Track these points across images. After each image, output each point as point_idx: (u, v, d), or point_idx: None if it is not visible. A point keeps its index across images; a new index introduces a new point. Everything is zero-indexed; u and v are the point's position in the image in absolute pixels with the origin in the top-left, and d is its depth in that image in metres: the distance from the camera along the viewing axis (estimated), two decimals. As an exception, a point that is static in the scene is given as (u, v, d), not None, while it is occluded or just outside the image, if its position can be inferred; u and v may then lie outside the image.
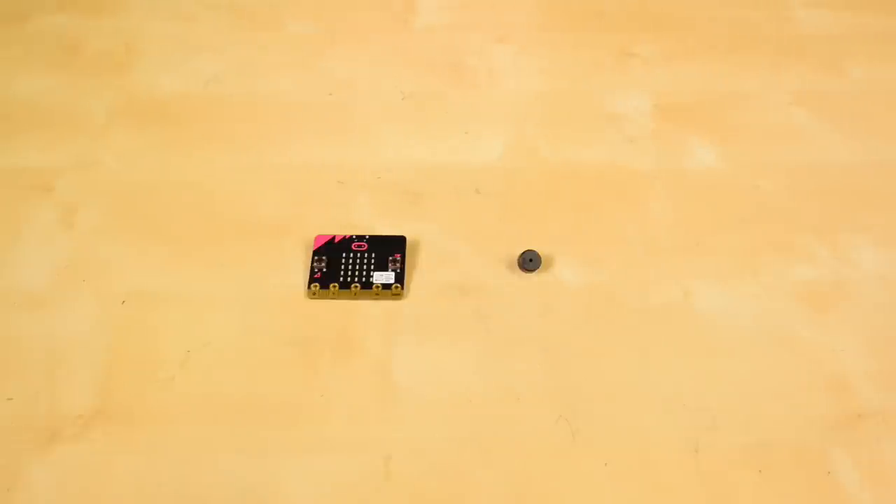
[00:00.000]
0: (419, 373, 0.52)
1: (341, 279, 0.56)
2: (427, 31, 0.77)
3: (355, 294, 0.55)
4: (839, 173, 0.65)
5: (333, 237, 0.58)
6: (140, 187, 0.62)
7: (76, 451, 0.48)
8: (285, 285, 0.56)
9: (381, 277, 0.56)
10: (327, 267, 0.57)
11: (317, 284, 0.55)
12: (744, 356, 0.53)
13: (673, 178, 0.64)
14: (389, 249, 0.58)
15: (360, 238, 0.58)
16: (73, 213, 0.60)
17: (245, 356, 0.52)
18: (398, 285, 0.56)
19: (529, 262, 0.57)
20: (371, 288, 0.55)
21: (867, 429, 0.50)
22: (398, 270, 0.56)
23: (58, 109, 0.68)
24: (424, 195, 0.62)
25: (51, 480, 0.47)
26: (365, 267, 0.57)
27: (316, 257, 0.57)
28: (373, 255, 0.57)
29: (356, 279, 0.56)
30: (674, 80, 0.72)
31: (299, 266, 0.57)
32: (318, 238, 0.58)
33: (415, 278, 0.57)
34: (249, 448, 0.48)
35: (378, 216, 0.61)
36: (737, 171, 0.65)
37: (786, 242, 0.60)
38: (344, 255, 0.57)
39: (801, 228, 0.61)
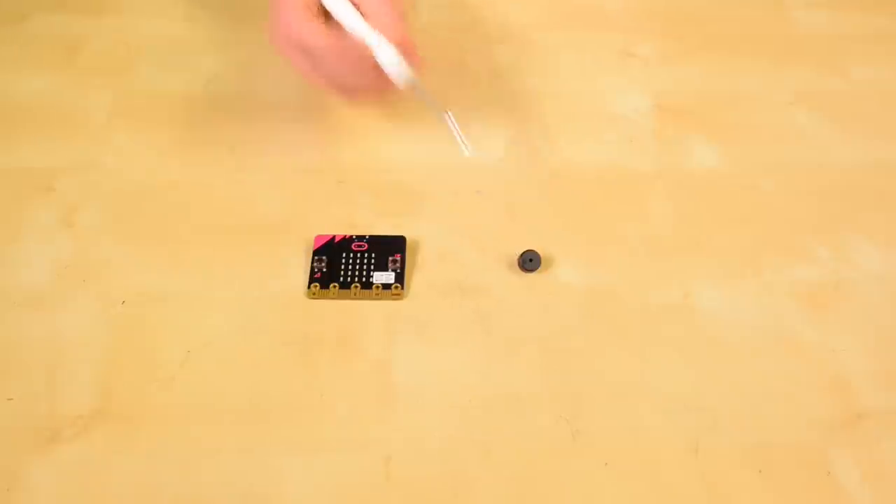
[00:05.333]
0: (419, 373, 0.52)
1: (341, 279, 0.56)
2: (428, 30, 0.77)
3: (355, 294, 0.55)
4: (839, 173, 0.65)
5: (333, 237, 0.58)
6: (140, 187, 0.62)
7: (76, 451, 0.48)
8: (285, 285, 0.56)
9: (381, 277, 0.56)
10: (327, 267, 0.57)
11: (317, 284, 0.56)
12: (744, 356, 0.53)
13: (673, 178, 0.64)
14: (389, 249, 0.58)
15: (360, 238, 0.58)
16: (73, 213, 0.60)
17: (245, 356, 0.52)
18: (398, 285, 0.56)
19: (529, 262, 0.57)
20: (371, 288, 0.55)
21: (867, 429, 0.50)
22: (398, 270, 0.56)
23: (58, 109, 0.68)
24: (424, 195, 0.62)
25: (51, 480, 0.47)
26: (365, 267, 0.57)
27: (316, 257, 0.57)
28: (373, 255, 0.57)
29: (356, 279, 0.56)
30: (674, 80, 0.72)
31: (299, 266, 0.57)
32: (318, 238, 0.58)
33: (415, 278, 0.57)
34: (249, 448, 0.48)
35: (378, 216, 0.61)
36: (737, 171, 0.65)
37: (786, 242, 0.60)
38: (344, 255, 0.57)
39: (801, 228, 0.61)
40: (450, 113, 0.55)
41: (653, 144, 0.66)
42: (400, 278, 0.56)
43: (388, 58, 0.53)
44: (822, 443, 0.49)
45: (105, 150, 0.65)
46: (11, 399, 0.50)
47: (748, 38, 0.76)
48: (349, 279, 0.56)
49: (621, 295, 0.56)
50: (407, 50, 0.54)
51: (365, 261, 0.57)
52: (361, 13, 0.54)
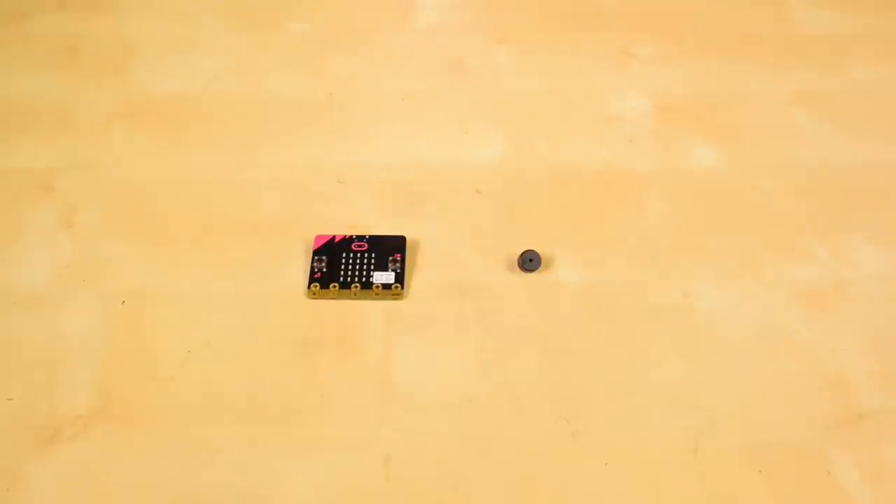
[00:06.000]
0: (419, 373, 0.52)
1: (341, 279, 0.56)
2: (427, 31, 0.77)
3: (355, 294, 0.55)
4: (839, 173, 0.65)
5: (333, 237, 0.58)
6: (140, 187, 0.62)
7: (76, 451, 0.48)
8: (285, 285, 0.56)
9: (381, 277, 0.56)
10: (327, 267, 0.57)
11: (317, 284, 0.55)
12: (744, 356, 0.53)
13: (672, 178, 0.64)
14: (389, 249, 0.57)
15: (360, 238, 0.58)
16: (73, 213, 0.60)
17: (245, 356, 0.52)
18: (398, 285, 0.56)
19: (529, 262, 0.57)
20: (371, 288, 0.55)
21: (867, 429, 0.50)
22: (398, 270, 0.56)
23: (58, 109, 0.68)
24: (424, 195, 0.62)
25: (51, 480, 0.47)
26: (365, 267, 0.57)
27: (316, 257, 0.57)
28: (373, 255, 0.57)
29: (356, 279, 0.56)
30: (674, 80, 0.72)
31: (299, 266, 0.57)
32: (318, 238, 0.58)
33: (415, 278, 0.57)
34: (249, 448, 0.48)
35: (378, 216, 0.61)
36: (737, 171, 0.65)
37: (786, 242, 0.60)
38: (344, 255, 0.57)
39: (801, 228, 0.61)
40: None
41: (652, 144, 0.66)
42: (400, 278, 0.56)
43: None
44: (822, 443, 0.49)
45: (105, 150, 0.65)
46: (11, 399, 0.50)
47: (748, 38, 0.76)
48: (349, 279, 0.56)
49: (621, 295, 0.56)
50: None
51: (365, 261, 0.57)
52: None
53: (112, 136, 0.66)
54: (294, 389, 0.51)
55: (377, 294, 0.55)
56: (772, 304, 0.56)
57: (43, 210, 0.60)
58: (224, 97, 0.70)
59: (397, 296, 0.55)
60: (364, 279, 0.56)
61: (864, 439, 0.49)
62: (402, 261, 0.57)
